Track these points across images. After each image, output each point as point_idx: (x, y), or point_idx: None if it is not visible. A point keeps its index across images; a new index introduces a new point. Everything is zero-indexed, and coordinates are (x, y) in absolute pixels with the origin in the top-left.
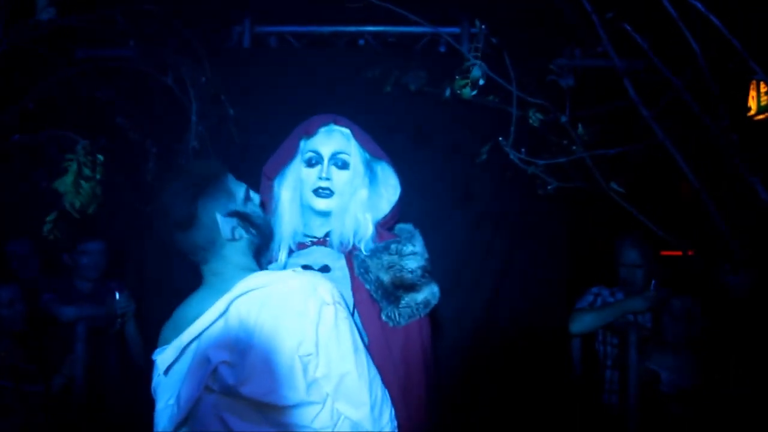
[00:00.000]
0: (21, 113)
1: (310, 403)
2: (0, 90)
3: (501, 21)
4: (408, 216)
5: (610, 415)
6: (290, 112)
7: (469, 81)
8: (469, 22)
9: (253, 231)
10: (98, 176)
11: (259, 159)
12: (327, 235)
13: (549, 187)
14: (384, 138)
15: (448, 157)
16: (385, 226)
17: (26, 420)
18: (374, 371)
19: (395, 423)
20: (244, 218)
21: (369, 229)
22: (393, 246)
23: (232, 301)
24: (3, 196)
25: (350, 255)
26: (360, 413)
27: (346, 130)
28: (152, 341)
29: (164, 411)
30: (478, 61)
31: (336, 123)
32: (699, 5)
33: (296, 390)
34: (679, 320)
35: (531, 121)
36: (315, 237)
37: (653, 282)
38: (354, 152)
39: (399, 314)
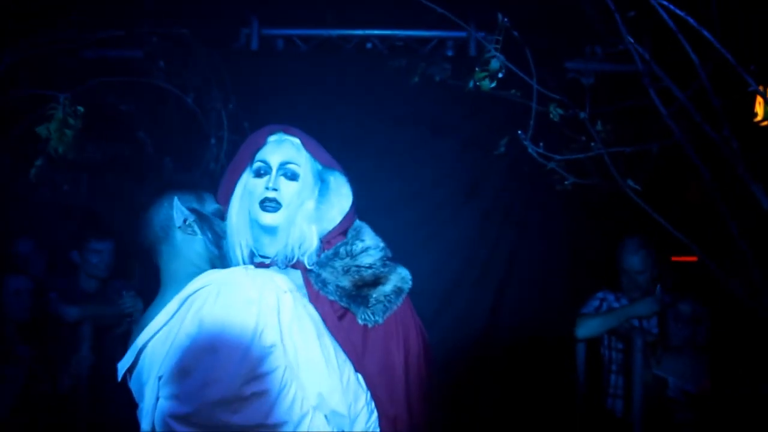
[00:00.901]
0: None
1: (253, 393)
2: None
3: (521, 17)
4: (418, 208)
5: (615, 420)
6: (296, 114)
7: (488, 73)
8: (476, 25)
9: (209, 235)
10: (79, 125)
11: None
12: (277, 255)
13: (566, 182)
14: (392, 136)
15: (461, 153)
16: (335, 235)
17: (32, 420)
18: (342, 356)
19: (372, 406)
20: (202, 219)
21: (314, 243)
22: (342, 249)
23: (184, 300)
24: (5, 196)
25: (305, 271)
26: (333, 399)
27: (296, 140)
28: None
29: (140, 413)
30: (497, 53)
31: (286, 132)
32: (691, 20)
33: (237, 380)
34: (686, 325)
35: (552, 116)
36: (267, 257)
37: (658, 286)
38: (304, 162)
39: (373, 312)
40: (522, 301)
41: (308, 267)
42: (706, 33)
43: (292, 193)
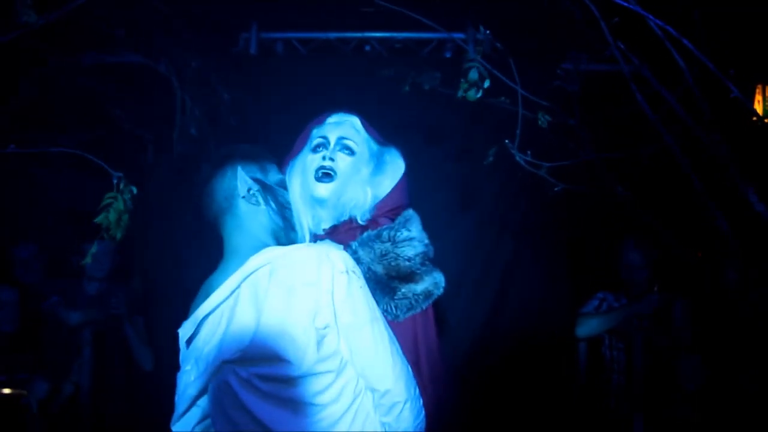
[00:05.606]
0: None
1: (317, 374)
2: None
3: (508, 26)
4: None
5: (617, 420)
6: (297, 117)
7: (471, 83)
8: (474, 27)
9: (273, 205)
10: (131, 206)
11: None
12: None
13: (556, 189)
14: (390, 141)
15: (457, 160)
16: (386, 209)
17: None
18: (395, 343)
19: (420, 399)
20: (266, 189)
21: (368, 201)
22: (385, 233)
23: (244, 278)
24: (5, 200)
25: (345, 247)
26: (384, 385)
27: (355, 119)
28: (161, 344)
29: (182, 375)
30: (476, 63)
31: (345, 113)
32: (671, 29)
33: (303, 362)
34: (685, 323)
35: (540, 122)
36: (324, 230)
37: (656, 285)
38: (361, 141)
39: (396, 306)
40: (522, 302)
41: (361, 223)
42: (685, 41)
43: (348, 164)
